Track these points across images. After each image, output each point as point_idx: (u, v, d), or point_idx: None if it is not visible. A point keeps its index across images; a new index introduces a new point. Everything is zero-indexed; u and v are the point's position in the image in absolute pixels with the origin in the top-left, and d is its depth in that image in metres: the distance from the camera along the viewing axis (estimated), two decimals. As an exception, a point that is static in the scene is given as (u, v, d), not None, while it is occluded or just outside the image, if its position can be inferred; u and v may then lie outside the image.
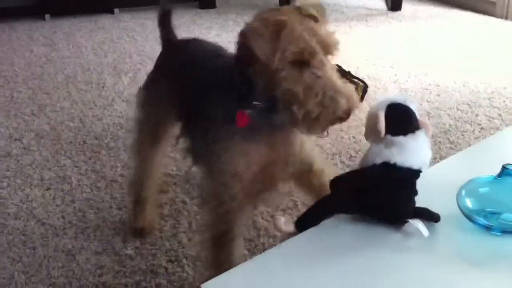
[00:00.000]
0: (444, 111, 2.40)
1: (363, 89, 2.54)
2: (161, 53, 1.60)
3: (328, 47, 1.04)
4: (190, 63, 1.40)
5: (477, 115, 2.35)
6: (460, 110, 2.40)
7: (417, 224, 0.96)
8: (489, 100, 2.50)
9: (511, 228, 0.96)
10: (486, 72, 2.82)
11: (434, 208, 1.00)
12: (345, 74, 2.44)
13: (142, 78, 2.82)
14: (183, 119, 1.39)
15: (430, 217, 0.99)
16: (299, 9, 1.09)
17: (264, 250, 1.56)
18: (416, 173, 0.98)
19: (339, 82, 1.03)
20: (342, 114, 1.01)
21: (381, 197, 0.97)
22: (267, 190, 1.23)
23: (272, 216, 1.64)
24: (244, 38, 1.07)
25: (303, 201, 1.76)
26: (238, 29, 3.81)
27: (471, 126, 2.25)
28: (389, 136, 0.98)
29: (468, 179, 1.04)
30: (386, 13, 3.98)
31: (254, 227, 1.65)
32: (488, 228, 0.97)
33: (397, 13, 3.97)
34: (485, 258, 0.93)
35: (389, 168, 0.96)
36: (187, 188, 1.87)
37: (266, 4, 4.29)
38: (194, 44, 1.53)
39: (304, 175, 1.26)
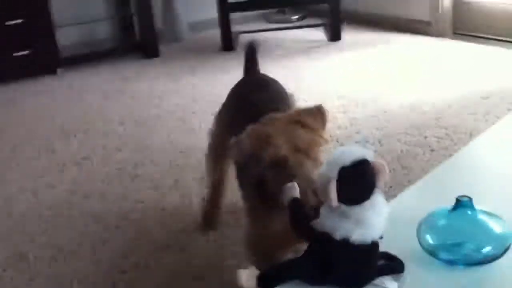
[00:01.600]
0: (394, 136, 2.44)
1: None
2: (240, 81, 1.84)
3: (301, 149, 1.19)
4: (248, 109, 1.59)
5: (426, 137, 2.40)
6: (409, 134, 2.45)
7: (384, 283, 0.95)
8: (436, 120, 2.56)
9: (474, 260, 0.97)
10: (430, 92, 2.90)
11: (395, 246, 1.00)
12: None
13: (92, 137, 2.78)
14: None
15: (394, 269, 0.98)
16: (290, 116, 1.27)
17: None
18: (377, 244, 0.94)
19: (314, 180, 1.08)
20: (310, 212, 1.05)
21: (342, 272, 0.94)
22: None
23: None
24: (233, 148, 1.27)
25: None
26: (185, 76, 3.81)
27: (422, 149, 2.29)
28: (343, 206, 0.91)
29: (426, 213, 1.06)
30: (327, 44, 4.06)
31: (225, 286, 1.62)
32: (451, 263, 0.98)
33: (337, 43, 4.05)
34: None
35: (349, 244, 0.91)
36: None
37: (209, 48, 4.31)
38: (265, 86, 1.73)
39: None
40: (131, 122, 2.97)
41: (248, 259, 1.41)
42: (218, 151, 1.84)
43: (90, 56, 4.19)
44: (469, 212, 1.00)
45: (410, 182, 1.97)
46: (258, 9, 4.73)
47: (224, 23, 4.12)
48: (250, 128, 1.27)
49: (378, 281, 0.96)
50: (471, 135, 2.35)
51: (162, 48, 4.30)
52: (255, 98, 1.62)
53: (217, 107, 2.91)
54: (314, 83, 3.27)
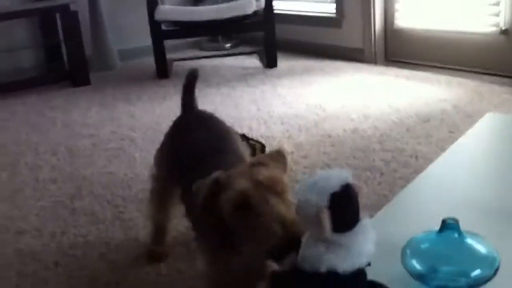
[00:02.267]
0: (342, 160, 2.42)
1: (261, 149, 2.53)
2: (177, 119, 1.72)
3: (264, 184, 1.09)
4: (192, 149, 1.50)
5: (373, 160, 2.39)
6: (356, 158, 2.44)
7: None
8: (380, 144, 2.57)
9: (464, 285, 0.92)
10: (371, 116, 2.92)
11: (378, 273, 0.95)
12: (241, 138, 2.41)
13: (23, 169, 2.59)
14: (184, 203, 1.49)
15: None
16: (251, 160, 1.23)
17: None
18: (364, 272, 0.87)
19: (283, 213, 1.04)
20: (280, 246, 1.00)
21: None
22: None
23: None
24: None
25: None
26: (118, 104, 3.68)
27: (371, 173, 2.28)
28: (333, 235, 0.83)
29: (403, 237, 1.02)
30: (263, 71, 4.05)
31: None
32: None
33: (273, 70, 4.05)
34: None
35: (335, 275, 0.83)
36: None
37: (142, 76, 4.21)
38: (205, 124, 1.63)
39: None
40: (65, 152, 2.80)
41: None
42: (161, 195, 1.75)
43: (15, 85, 3.99)
44: (456, 235, 0.96)
45: (366, 207, 1.95)
46: (192, 37, 4.68)
47: (158, 50, 4.03)
48: (212, 174, 1.18)
49: (368, 310, 0.90)
50: (417, 158, 2.37)
51: (92, 76, 4.16)
52: (196, 138, 1.55)
53: (157, 136, 2.83)
54: (255, 109, 3.23)
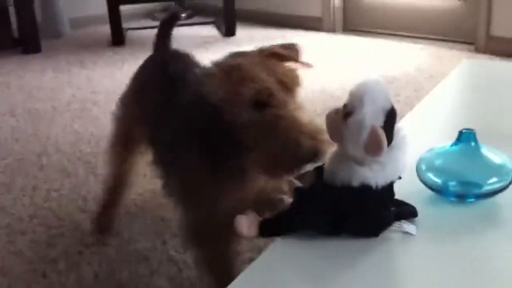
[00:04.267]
0: (317, 117, 2.43)
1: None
2: (148, 57, 1.55)
3: (286, 84, 0.97)
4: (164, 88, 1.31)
5: (344, 117, 2.41)
6: (328, 115, 2.45)
7: (403, 227, 0.89)
8: (349, 103, 2.59)
9: (482, 193, 0.94)
10: (337, 79, 2.95)
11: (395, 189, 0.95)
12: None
13: None
14: (156, 155, 1.32)
15: (409, 213, 0.91)
16: (260, 50, 1.03)
17: (191, 284, 1.40)
18: (393, 186, 0.87)
19: (304, 121, 0.94)
20: (307, 157, 0.91)
21: (359, 219, 0.85)
22: None
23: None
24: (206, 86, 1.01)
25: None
26: (74, 69, 3.54)
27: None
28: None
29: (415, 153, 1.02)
30: (222, 39, 4.01)
31: (172, 262, 1.47)
32: (459, 197, 0.95)
33: (232, 38, 4.02)
34: (467, 225, 0.90)
35: (368, 189, 0.83)
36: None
37: (96, 43, 4.08)
38: (181, 60, 1.43)
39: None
40: (24, 114, 2.68)
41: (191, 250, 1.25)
42: (126, 138, 1.59)
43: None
44: (473, 144, 0.97)
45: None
46: (150, 2, 4.55)
47: (114, 16, 3.91)
48: (218, 62, 1.01)
49: (396, 226, 0.90)
50: (388, 114, 2.40)
51: (43, 43, 3.99)
52: (172, 73, 1.36)
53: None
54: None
